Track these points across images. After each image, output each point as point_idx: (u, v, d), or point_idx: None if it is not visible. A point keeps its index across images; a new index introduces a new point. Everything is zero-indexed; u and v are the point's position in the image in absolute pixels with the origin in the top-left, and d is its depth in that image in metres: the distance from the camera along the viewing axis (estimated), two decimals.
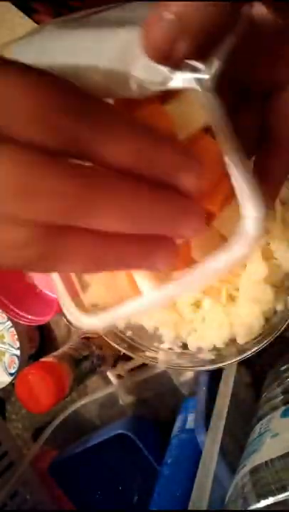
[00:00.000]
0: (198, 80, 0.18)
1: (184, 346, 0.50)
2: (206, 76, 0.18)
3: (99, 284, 0.45)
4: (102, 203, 0.18)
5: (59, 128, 0.17)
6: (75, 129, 0.17)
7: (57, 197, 0.17)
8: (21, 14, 0.54)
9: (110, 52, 0.21)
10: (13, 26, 0.55)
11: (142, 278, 0.25)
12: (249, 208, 0.20)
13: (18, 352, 0.68)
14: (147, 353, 0.50)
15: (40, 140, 0.17)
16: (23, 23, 0.55)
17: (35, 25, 0.55)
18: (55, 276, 0.28)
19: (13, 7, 0.53)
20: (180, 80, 0.19)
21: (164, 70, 0.19)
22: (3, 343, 0.71)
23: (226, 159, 0.20)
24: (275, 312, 0.44)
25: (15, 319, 0.65)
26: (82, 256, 0.19)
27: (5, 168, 0.16)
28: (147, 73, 0.20)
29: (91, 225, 0.18)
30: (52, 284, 0.62)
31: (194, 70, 0.18)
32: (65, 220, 0.17)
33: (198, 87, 0.18)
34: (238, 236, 0.21)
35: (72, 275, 0.31)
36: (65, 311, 0.27)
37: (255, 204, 0.20)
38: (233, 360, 0.45)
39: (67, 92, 0.17)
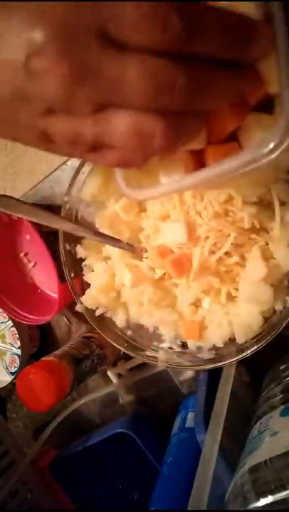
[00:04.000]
0: None
1: (184, 345, 0.50)
2: None
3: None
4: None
5: (168, 29, 0.22)
6: (179, 29, 0.22)
7: (178, 86, 0.23)
8: None
9: None
10: None
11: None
12: (285, 97, 0.24)
13: (19, 351, 0.69)
14: (147, 352, 0.50)
15: (154, 42, 0.22)
16: None
17: None
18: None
19: None
20: None
21: None
22: (4, 342, 0.71)
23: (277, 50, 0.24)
24: (274, 312, 0.44)
25: (16, 319, 0.66)
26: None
27: (136, 72, 0.22)
28: None
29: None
30: (52, 283, 0.62)
31: None
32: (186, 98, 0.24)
33: None
34: (255, 142, 0.26)
35: None
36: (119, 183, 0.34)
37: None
38: (233, 360, 0.45)
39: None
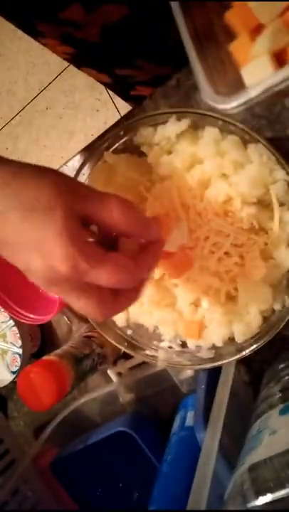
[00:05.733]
0: None
1: (184, 345, 0.50)
2: None
3: None
4: None
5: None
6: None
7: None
8: None
9: None
10: None
11: None
12: None
13: (20, 350, 0.69)
14: (147, 352, 0.51)
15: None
16: None
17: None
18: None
19: None
20: None
21: None
22: (6, 341, 0.71)
23: None
24: (273, 311, 0.44)
25: (17, 318, 0.66)
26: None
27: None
28: None
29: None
30: None
31: None
32: None
33: None
34: None
35: None
36: (202, 91, 0.29)
37: None
38: (232, 359, 0.45)
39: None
